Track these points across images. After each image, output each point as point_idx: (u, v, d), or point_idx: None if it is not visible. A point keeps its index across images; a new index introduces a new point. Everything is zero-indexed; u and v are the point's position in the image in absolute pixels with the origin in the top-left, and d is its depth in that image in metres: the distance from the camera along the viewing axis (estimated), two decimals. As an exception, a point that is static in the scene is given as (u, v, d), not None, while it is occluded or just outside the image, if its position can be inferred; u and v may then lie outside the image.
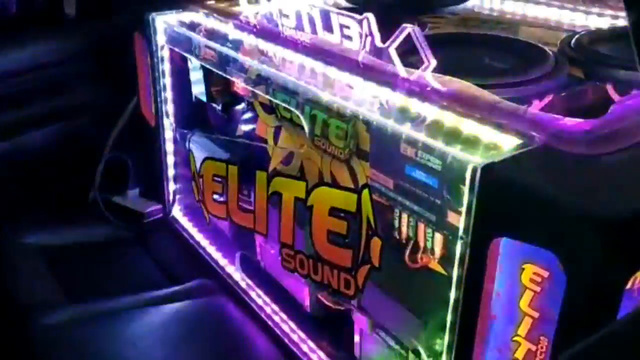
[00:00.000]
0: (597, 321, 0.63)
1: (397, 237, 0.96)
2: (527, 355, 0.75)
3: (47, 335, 1.23)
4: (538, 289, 0.71)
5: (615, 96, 1.00)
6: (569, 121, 0.80)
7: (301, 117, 1.07)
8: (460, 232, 0.77)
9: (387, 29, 1.12)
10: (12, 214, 1.53)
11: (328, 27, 1.09)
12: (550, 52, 1.11)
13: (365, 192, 0.96)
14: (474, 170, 0.74)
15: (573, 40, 1.16)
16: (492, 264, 0.75)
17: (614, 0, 1.34)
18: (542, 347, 0.73)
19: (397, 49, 0.96)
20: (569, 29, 1.31)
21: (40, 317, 1.24)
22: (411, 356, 0.97)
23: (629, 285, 0.66)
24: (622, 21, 1.28)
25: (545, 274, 0.70)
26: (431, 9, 1.47)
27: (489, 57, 1.14)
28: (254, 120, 1.37)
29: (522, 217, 0.70)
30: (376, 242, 0.96)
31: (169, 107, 1.53)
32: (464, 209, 0.76)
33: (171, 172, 1.59)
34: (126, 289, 1.38)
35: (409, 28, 0.94)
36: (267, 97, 1.17)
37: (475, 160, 0.75)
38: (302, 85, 1.06)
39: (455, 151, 0.79)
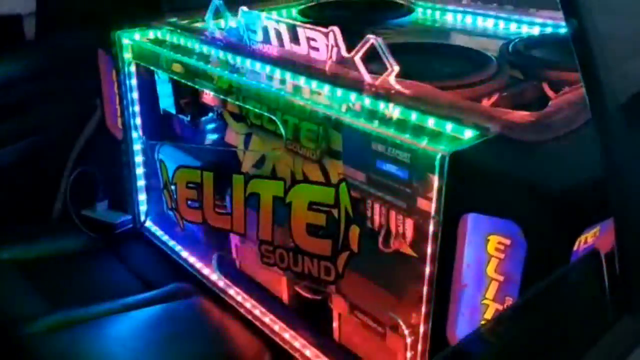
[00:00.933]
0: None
1: (371, 226, 1.07)
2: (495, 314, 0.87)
3: (31, 343, 1.26)
4: (502, 255, 0.84)
5: (550, 93, 1.15)
6: (517, 114, 0.93)
7: (278, 123, 1.17)
8: (432, 213, 0.89)
9: (343, 40, 1.23)
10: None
11: (295, 40, 1.20)
12: (493, 57, 1.26)
13: (343, 185, 1.06)
14: (443, 159, 0.86)
15: (511, 46, 1.32)
16: (461, 238, 0.87)
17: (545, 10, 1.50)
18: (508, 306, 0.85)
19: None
20: (505, 37, 1.47)
21: (24, 326, 1.27)
22: (389, 332, 1.08)
23: (575, 247, 0.79)
24: (550, 29, 1.45)
25: (508, 241, 0.83)
26: (380, 23, 1.60)
27: (441, 63, 1.28)
28: (222, 129, 1.45)
29: (486, 195, 0.82)
30: (354, 230, 1.07)
31: (137, 121, 1.59)
32: (434, 193, 0.88)
33: (140, 182, 1.64)
34: (105, 297, 1.42)
35: (372, 39, 1.05)
36: (238, 103, 1.26)
37: (443, 150, 0.87)
38: (274, 92, 1.16)
39: (422, 144, 0.91)
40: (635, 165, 0.59)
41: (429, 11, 1.71)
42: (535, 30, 1.47)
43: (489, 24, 1.58)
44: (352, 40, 1.40)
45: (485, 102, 1.09)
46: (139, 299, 1.41)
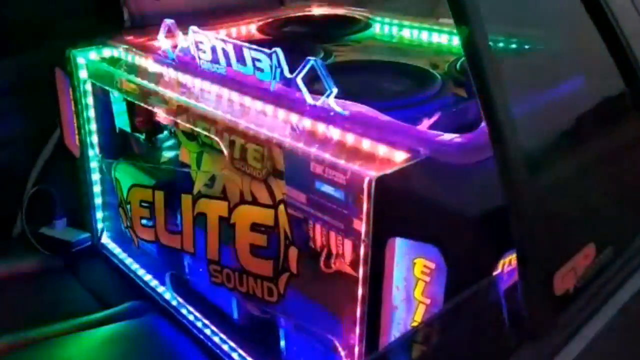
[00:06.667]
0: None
1: (313, 246, 1.08)
2: (424, 337, 0.87)
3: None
4: (428, 279, 0.85)
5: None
6: (448, 136, 0.94)
7: (221, 144, 1.17)
8: (362, 236, 0.90)
9: (297, 58, 1.24)
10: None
11: (242, 60, 1.21)
12: (438, 76, 1.27)
13: (281, 207, 1.07)
14: (370, 182, 0.87)
15: (458, 63, 1.33)
16: (389, 261, 0.87)
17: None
18: (435, 329, 0.86)
19: (305, 77, 1.09)
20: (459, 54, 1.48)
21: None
22: (330, 353, 1.08)
23: (498, 270, 0.80)
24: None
25: (432, 265, 0.84)
26: (337, 39, 1.61)
27: (387, 81, 1.29)
28: (177, 147, 1.46)
29: (410, 219, 0.83)
30: (293, 252, 1.07)
31: (94, 139, 1.59)
32: (364, 216, 0.89)
33: (98, 200, 1.64)
34: (59, 317, 1.41)
35: (312, 60, 1.06)
36: (189, 126, 1.27)
37: (370, 173, 0.88)
38: (219, 114, 1.17)
39: (354, 167, 0.92)
40: (535, 203, 0.60)
41: (386, 27, 1.72)
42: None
43: (443, 40, 1.60)
44: (307, 55, 1.42)
45: (425, 122, 1.10)
46: (92, 318, 1.41)
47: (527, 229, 0.60)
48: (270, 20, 1.78)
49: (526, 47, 1.23)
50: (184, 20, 1.40)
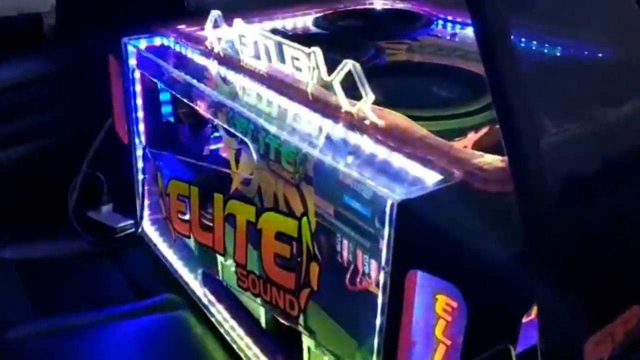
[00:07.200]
0: (496, 353, 0.68)
1: (340, 261, 1.01)
2: (442, 380, 0.79)
3: (10, 349, 1.27)
4: (449, 318, 0.76)
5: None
6: (489, 158, 0.85)
7: (251, 145, 1.13)
8: (382, 263, 0.82)
9: (347, 55, 1.17)
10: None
11: (282, 58, 1.15)
12: (494, 84, 1.16)
13: (305, 219, 1.01)
14: (392, 206, 0.79)
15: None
16: (410, 293, 0.79)
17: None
18: (453, 373, 0.77)
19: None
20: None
21: (4, 331, 1.28)
22: (348, 377, 1.02)
23: (528, 318, 0.71)
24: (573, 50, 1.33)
25: (455, 304, 0.75)
26: (393, 36, 1.52)
27: (436, 86, 1.19)
28: (220, 141, 1.43)
29: (433, 252, 0.75)
30: (314, 267, 1.01)
31: (140, 127, 1.58)
32: (385, 242, 0.81)
33: (142, 188, 1.64)
34: (94, 303, 1.43)
35: (349, 64, 0.99)
36: (225, 126, 1.23)
37: (394, 196, 0.80)
38: (253, 116, 1.12)
39: (379, 186, 0.84)
40: (564, 249, 0.51)
41: (449, 24, 1.62)
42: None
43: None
44: (357, 52, 1.35)
45: (470, 137, 1.01)
46: (124, 310, 1.41)
47: (553, 283, 0.51)
48: (328, 12, 1.71)
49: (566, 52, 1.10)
50: (245, 9, 1.36)
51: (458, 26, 1.59)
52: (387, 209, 0.80)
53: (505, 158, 0.84)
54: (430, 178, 0.83)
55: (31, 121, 1.74)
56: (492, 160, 0.84)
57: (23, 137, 1.72)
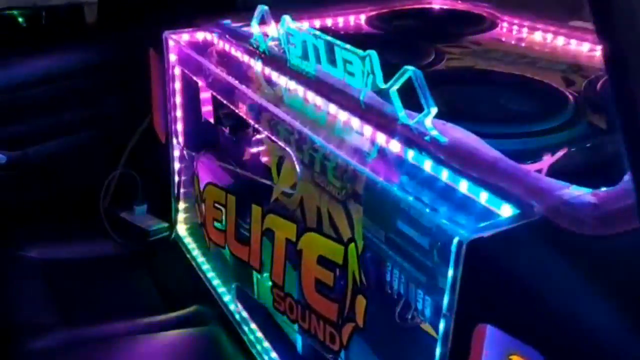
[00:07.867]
0: None
1: (389, 292, 0.90)
2: None
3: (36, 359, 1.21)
4: (524, 384, 0.64)
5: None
6: (576, 191, 0.72)
7: (294, 154, 1.02)
8: (444, 309, 0.71)
9: (403, 58, 1.05)
10: (16, 225, 1.52)
11: (333, 60, 1.04)
12: (572, 97, 1.03)
13: (352, 246, 0.90)
14: (459, 245, 0.67)
15: (600, 83, 1.07)
16: (476, 350, 0.67)
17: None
18: None
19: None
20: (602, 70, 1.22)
21: (29, 340, 1.22)
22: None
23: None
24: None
25: (532, 368, 0.63)
26: (453, 38, 1.39)
27: (504, 98, 1.06)
28: (261, 144, 1.33)
29: (507, 306, 0.62)
30: (361, 301, 0.90)
31: (179, 126, 1.50)
32: (448, 285, 0.69)
33: (178, 190, 1.55)
34: (123, 311, 1.35)
35: (409, 71, 0.87)
36: (266, 133, 1.13)
37: (462, 232, 0.68)
38: (298, 124, 1.01)
39: (442, 218, 0.72)
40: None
41: (515, 28, 1.47)
42: None
43: (584, 49, 1.33)
44: (416, 56, 1.23)
45: (546, 160, 0.87)
46: (154, 321, 1.33)
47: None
48: (383, 11, 1.59)
49: None
50: (295, 5, 1.26)
51: (525, 30, 1.45)
52: (454, 247, 0.68)
53: (596, 191, 0.72)
54: (505, 211, 0.71)
55: (68, 115, 1.68)
56: (581, 194, 0.70)
57: (58, 132, 1.66)
